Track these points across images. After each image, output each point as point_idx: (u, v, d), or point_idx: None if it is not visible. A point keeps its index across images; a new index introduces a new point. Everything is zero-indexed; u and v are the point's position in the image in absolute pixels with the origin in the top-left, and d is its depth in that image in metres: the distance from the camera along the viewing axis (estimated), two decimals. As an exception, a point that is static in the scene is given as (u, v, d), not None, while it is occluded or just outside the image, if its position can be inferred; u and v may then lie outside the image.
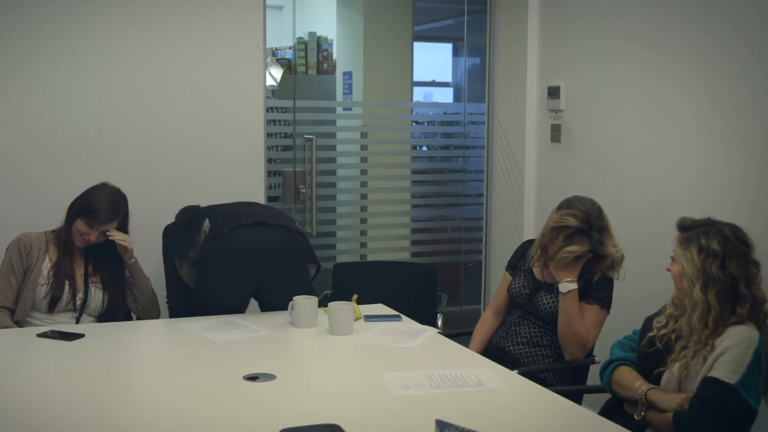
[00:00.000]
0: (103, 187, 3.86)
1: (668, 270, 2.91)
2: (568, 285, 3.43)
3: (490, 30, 5.42)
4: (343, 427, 2.34)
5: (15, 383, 2.78)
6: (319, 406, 2.60)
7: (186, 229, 3.79)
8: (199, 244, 3.65)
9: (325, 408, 2.59)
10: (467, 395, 2.70)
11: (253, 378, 2.81)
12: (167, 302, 3.86)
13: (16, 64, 4.34)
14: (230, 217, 3.73)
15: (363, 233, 5.74)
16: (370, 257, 5.57)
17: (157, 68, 4.59)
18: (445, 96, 8.30)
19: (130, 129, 4.57)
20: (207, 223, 3.68)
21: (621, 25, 4.36)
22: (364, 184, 5.66)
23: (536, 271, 3.59)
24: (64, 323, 3.69)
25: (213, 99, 4.70)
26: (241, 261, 3.63)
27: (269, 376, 2.83)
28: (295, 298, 3.50)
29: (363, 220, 5.78)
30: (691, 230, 2.83)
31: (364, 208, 5.71)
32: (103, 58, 4.49)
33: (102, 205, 3.76)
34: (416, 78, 6.85)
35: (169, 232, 3.91)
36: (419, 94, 7.53)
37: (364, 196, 5.63)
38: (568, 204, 3.45)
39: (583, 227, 3.37)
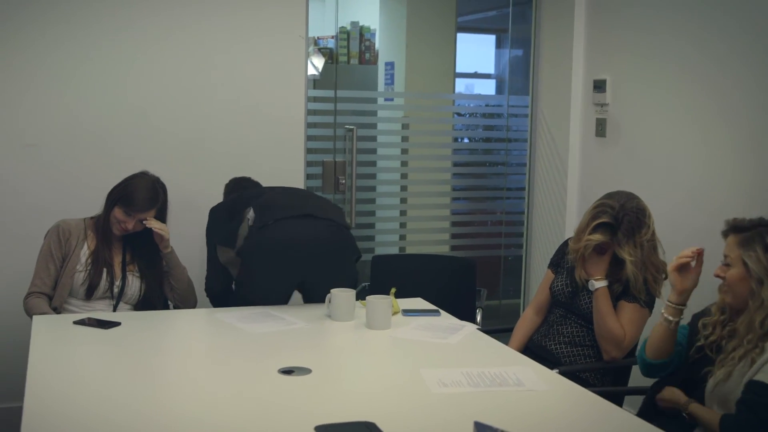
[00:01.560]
0: (142, 175, 3.84)
1: (719, 276, 2.80)
2: (596, 283, 3.36)
3: (535, 21, 5.33)
4: (379, 424, 2.29)
5: (50, 370, 2.76)
6: (355, 403, 2.55)
7: (229, 213, 3.74)
8: (241, 233, 3.59)
9: (361, 404, 2.53)
10: (506, 395, 2.63)
11: (288, 372, 2.76)
12: (206, 286, 3.81)
13: (45, 53, 4.33)
14: (276, 207, 3.63)
15: (402, 226, 5.69)
16: (409, 250, 5.51)
17: (198, 57, 4.58)
18: (487, 88, 8.23)
19: (169, 119, 4.56)
20: (251, 212, 3.61)
21: (670, 18, 4.26)
22: (404, 176, 5.60)
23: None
24: (101, 311, 3.68)
25: (254, 88, 4.68)
26: (287, 254, 3.54)
27: (304, 370, 2.78)
28: (332, 290, 3.45)
29: (403, 213, 5.72)
30: (748, 230, 2.73)
31: (404, 200, 5.65)
32: (144, 46, 4.48)
33: (140, 193, 3.74)
34: (458, 69, 6.77)
35: (214, 214, 3.85)
36: (461, 86, 7.45)
37: (404, 188, 5.57)
38: (609, 195, 3.39)
39: (611, 222, 3.30)
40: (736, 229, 2.76)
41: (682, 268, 2.93)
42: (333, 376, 2.83)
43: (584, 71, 4.96)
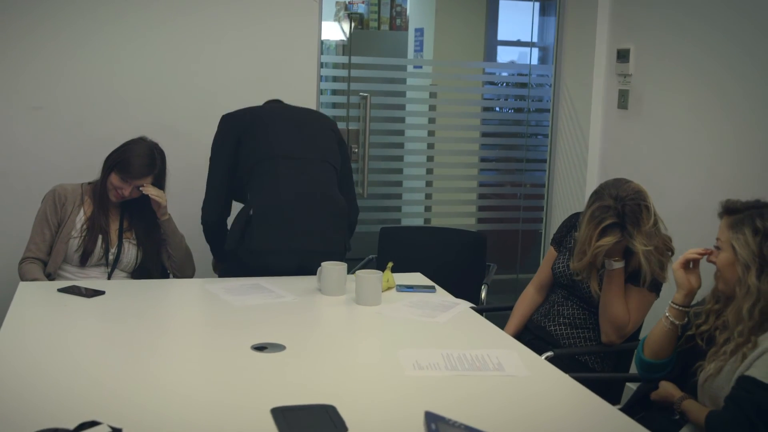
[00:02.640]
0: (140, 141, 3.75)
1: (711, 262, 2.62)
2: (614, 263, 3.17)
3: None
4: (342, 408, 2.19)
5: (22, 335, 2.74)
6: (321, 384, 2.44)
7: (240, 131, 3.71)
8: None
9: (327, 386, 2.42)
10: (482, 380, 2.50)
11: (260, 348, 2.67)
12: (202, 216, 3.74)
13: (51, 15, 4.31)
14: (275, 215, 3.54)
15: (428, 197, 5.57)
16: (434, 222, 5.39)
17: (209, 20, 4.51)
18: (532, 57, 8.07)
19: (178, 83, 4.51)
20: (251, 211, 3.54)
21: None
22: (430, 146, 5.46)
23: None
24: (96, 278, 3.64)
25: (266, 53, 4.60)
26: (282, 262, 3.59)
27: (278, 347, 2.69)
28: (323, 264, 3.35)
29: (429, 183, 5.60)
30: (740, 212, 2.56)
31: (429, 171, 5.51)
32: (154, 11, 4.44)
33: (137, 159, 3.65)
34: (501, 37, 6.60)
35: (225, 123, 3.78)
36: (512, 53, 7.24)
37: (430, 159, 5.43)
38: (598, 195, 3.15)
39: (617, 220, 3.07)
40: (728, 211, 2.58)
41: (688, 266, 2.74)
42: (306, 355, 2.70)
43: (608, 39, 4.75)
